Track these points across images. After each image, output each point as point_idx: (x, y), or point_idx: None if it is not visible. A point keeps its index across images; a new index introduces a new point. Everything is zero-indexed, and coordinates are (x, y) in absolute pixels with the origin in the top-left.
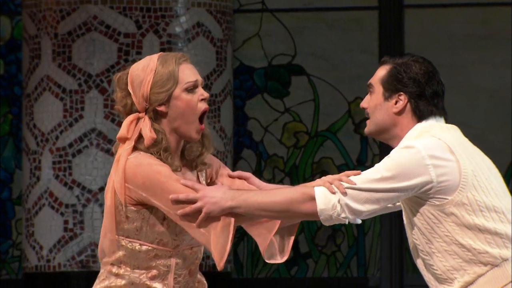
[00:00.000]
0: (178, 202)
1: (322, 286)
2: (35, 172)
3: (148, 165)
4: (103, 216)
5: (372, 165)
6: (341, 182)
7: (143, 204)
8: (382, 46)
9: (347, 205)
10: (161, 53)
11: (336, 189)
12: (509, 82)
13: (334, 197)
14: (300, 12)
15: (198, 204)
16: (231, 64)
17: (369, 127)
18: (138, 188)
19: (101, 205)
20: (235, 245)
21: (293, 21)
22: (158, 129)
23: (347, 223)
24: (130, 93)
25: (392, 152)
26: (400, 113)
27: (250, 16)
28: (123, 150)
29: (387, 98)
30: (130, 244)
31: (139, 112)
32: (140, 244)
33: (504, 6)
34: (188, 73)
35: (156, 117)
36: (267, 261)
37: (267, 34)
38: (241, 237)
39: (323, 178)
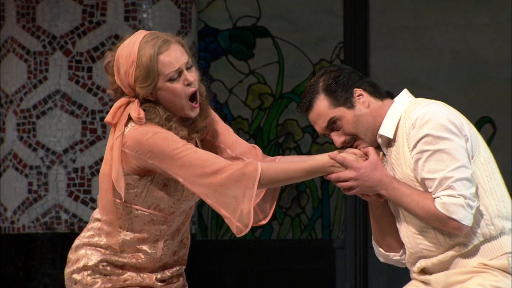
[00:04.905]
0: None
1: (286, 248)
2: None
3: (154, 133)
4: (67, 178)
5: None
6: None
7: (146, 171)
8: (347, 8)
9: (465, 197)
10: (144, 35)
11: (454, 193)
12: (472, 43)
13: (459, 202)
14: None
15: (352, 184)
16: (196, 26)
17: (368, 142)
18: (144, 155)
19: (65, 167)
20: (199, 207)
21: None
22: (150, 105)
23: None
24: None
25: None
26: (369, 103)
27: None
28: (114, 139)
29: (350, 106)
30: (126, 208)
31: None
32: (137, 209)
33: None
34: (168, 63)
35: (148, 100)
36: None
37: None
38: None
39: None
